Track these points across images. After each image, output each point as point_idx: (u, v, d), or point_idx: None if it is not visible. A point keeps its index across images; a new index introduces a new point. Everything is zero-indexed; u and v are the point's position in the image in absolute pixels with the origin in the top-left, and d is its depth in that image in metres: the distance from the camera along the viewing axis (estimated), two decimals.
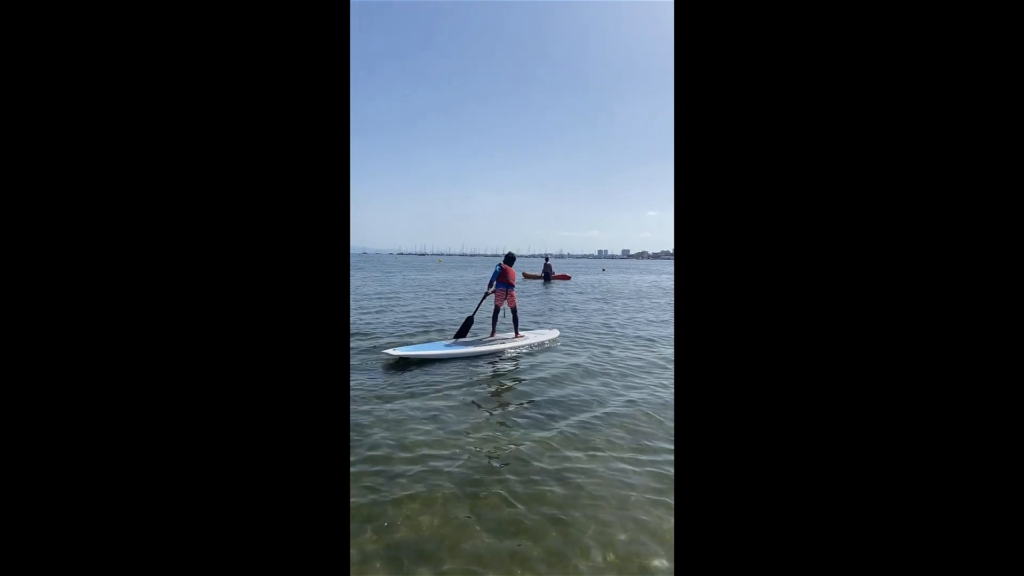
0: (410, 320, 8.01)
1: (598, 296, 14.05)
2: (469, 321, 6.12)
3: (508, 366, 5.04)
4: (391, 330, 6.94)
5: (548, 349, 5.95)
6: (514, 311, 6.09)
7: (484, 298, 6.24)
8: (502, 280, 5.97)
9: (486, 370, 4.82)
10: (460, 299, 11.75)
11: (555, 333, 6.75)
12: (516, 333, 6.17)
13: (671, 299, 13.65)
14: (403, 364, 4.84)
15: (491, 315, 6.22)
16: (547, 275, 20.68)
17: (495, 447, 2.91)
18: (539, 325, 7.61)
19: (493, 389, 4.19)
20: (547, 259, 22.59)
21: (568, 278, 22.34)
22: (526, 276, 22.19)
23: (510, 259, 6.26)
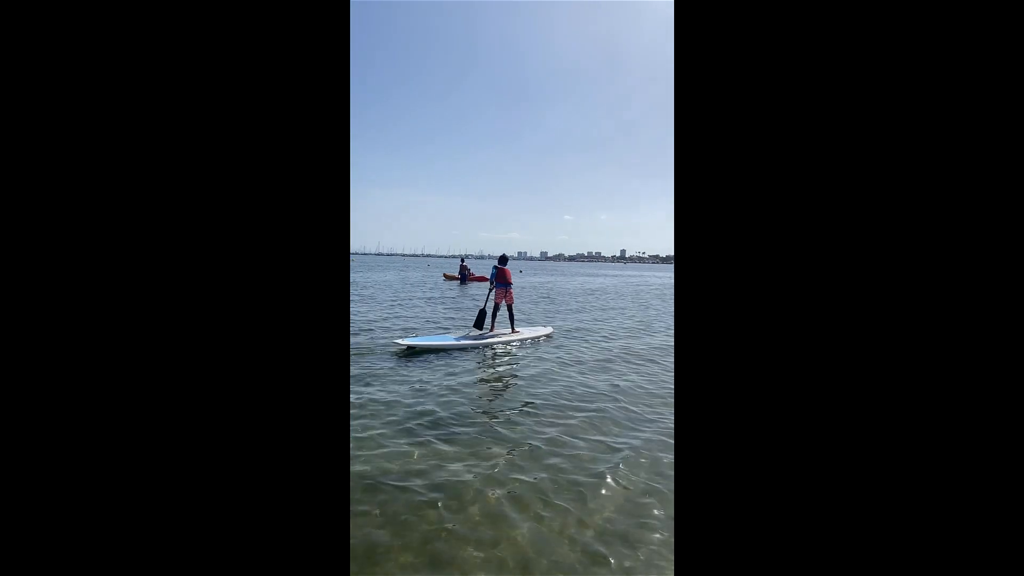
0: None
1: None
2: (483, 313, 6.89)
3: (504, 358, 5.66)
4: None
5: (543, 344, 6.53)
6: (510, 308, 6.83)
7: (490, 292, 6.93)
8: (500, 280, 6.74)
9: (485, 357, 5.61)
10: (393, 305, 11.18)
11: (549, 330, 7.39)
12: (512, 328, 6.84)
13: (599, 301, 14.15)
14: (410, 352, 5.55)
15: (491, 312, 6.92)
16: (463, 277, 20.46)
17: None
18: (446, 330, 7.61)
19: (488, 376, 4.80)
20: (463, 260, 22.16)
21: (486, 279, 22.29)
22: (447, 277, 21.88)
23: (503, 260, 6.98)
